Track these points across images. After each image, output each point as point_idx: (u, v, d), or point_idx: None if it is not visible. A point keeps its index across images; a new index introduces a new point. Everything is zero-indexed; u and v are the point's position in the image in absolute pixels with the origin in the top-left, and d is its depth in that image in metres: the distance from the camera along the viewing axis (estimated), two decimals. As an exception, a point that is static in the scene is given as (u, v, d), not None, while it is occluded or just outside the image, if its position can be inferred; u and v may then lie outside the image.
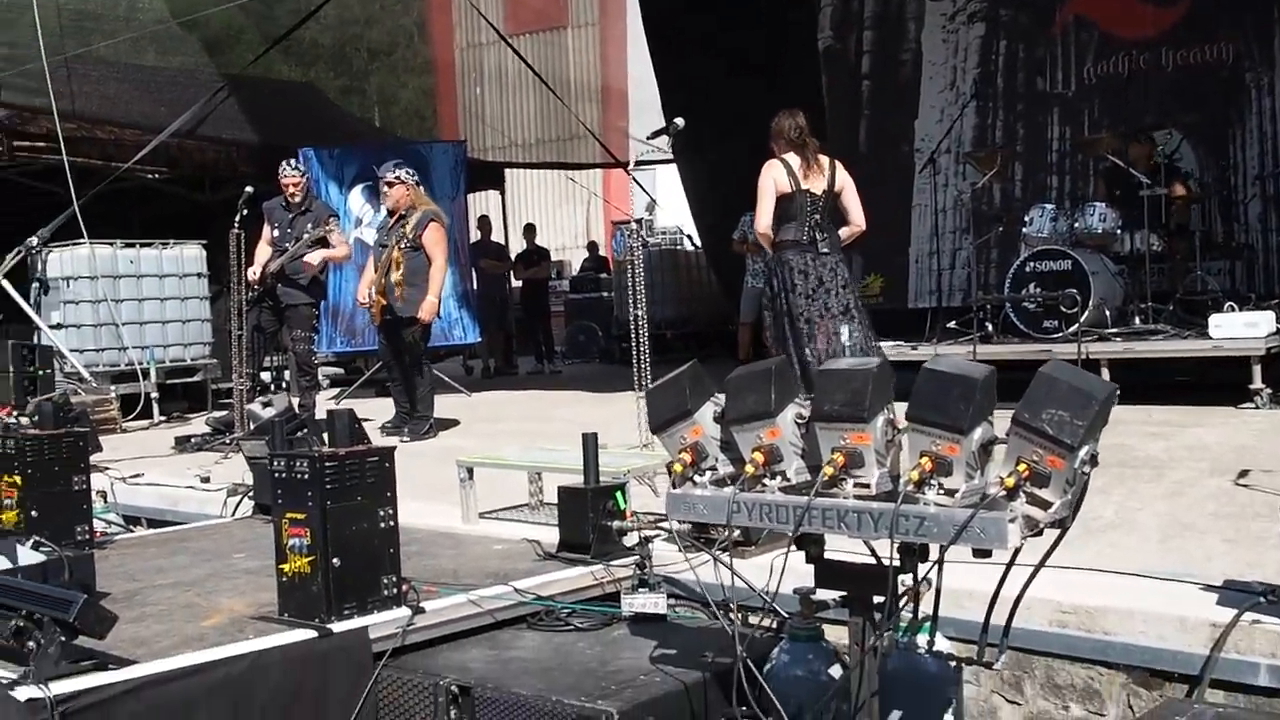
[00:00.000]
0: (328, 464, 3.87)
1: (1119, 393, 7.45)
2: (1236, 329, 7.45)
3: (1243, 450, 5.80)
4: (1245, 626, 3.38)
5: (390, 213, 8.67)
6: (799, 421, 3.26)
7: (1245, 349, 7.38)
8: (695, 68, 12.71)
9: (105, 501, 6.92)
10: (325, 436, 4.32)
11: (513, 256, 15.22)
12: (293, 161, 9.15)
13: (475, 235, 14.05)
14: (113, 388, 10.82)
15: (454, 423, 9.14)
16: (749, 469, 3.23)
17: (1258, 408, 7.20)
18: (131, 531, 6.72)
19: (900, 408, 3.06)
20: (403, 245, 8.35)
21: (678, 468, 3.41)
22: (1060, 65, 10.18)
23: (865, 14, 11.23)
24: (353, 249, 10.95)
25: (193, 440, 8.94)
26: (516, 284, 15.10)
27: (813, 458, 3.21)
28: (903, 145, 10.94)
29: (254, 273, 8.81)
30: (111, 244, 11.31)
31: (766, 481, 3.25)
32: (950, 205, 10.41)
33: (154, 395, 11.06)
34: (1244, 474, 5.28)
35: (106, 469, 7.40)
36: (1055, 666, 3.73)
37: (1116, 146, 8.77)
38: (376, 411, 9.82)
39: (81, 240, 11.02)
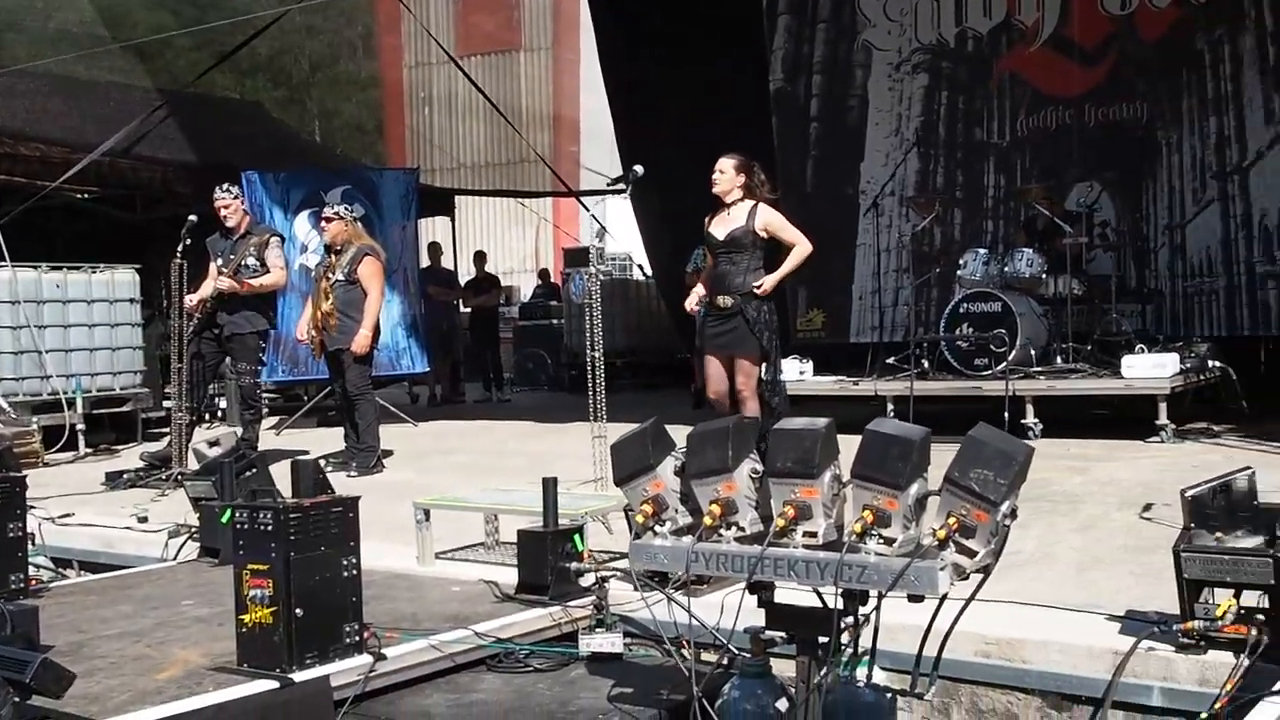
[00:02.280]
0: (292, 515, 3.94)
1: (1041, 428, 7.94)
2: (1146, 369, 8.03)
3: (1148, 485, 6.27)
4: (1142, 653, 3.80)
5: (327, 248, 8.79)
6: (753, 476, 3.62)
7: (1153, 388, 7.96)
8: (650, 107, 13.02)
9: (33, 544, 6.42)
10: (291, 483, 4.36)
11: (462, 283, 15.23)
12: (225, 185, 8.90)
13: (425, 261, 14.04)
14: (34, 418, 10.39)
15: (389, 453, 9.07)
16: (707, 520, 3.55)
17: (1163, 441, 7.79)
18: (65, 577, 6.54)
19: (846, 462, 3.44)
20: (331, 277, 8.49)
21: (639, 519, 3.71)
22: (996, 117, 10.71)
23: (815, 59, 11.64)
24: (293, 275, 10.81)
25: (125, 476, 8.68)
26: (466, 310, 15.12)
27: (765, 509, 3.56)
28: (848, 187, 11.38)
29: (191, 299, 8.61)
30: (36, 267, 10.90)
31: (723, 532, 3.58)
32: (893, 246, 10.87)
33: (80, 426, 10.62)
34: (1148, 507, 5.76)
35: (33, 508, 6.73)
36: (979, 693, 4.14)
37: (1044, 197, 9.30)
38: (316, 441, 9.84)
39: (2, 263, 10.64)
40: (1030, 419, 8.24)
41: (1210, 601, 3.76)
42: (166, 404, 8.89)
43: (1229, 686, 3.52)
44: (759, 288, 6.77)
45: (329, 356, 8.70)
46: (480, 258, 15.68)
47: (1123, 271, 9.86)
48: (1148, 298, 9.81)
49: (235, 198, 8.87)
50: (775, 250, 6.96)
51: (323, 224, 8.82)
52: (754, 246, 6.78)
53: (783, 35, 11.79)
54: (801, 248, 6.86)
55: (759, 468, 3.59)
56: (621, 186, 7.70)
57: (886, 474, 3.27)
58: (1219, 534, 3.79)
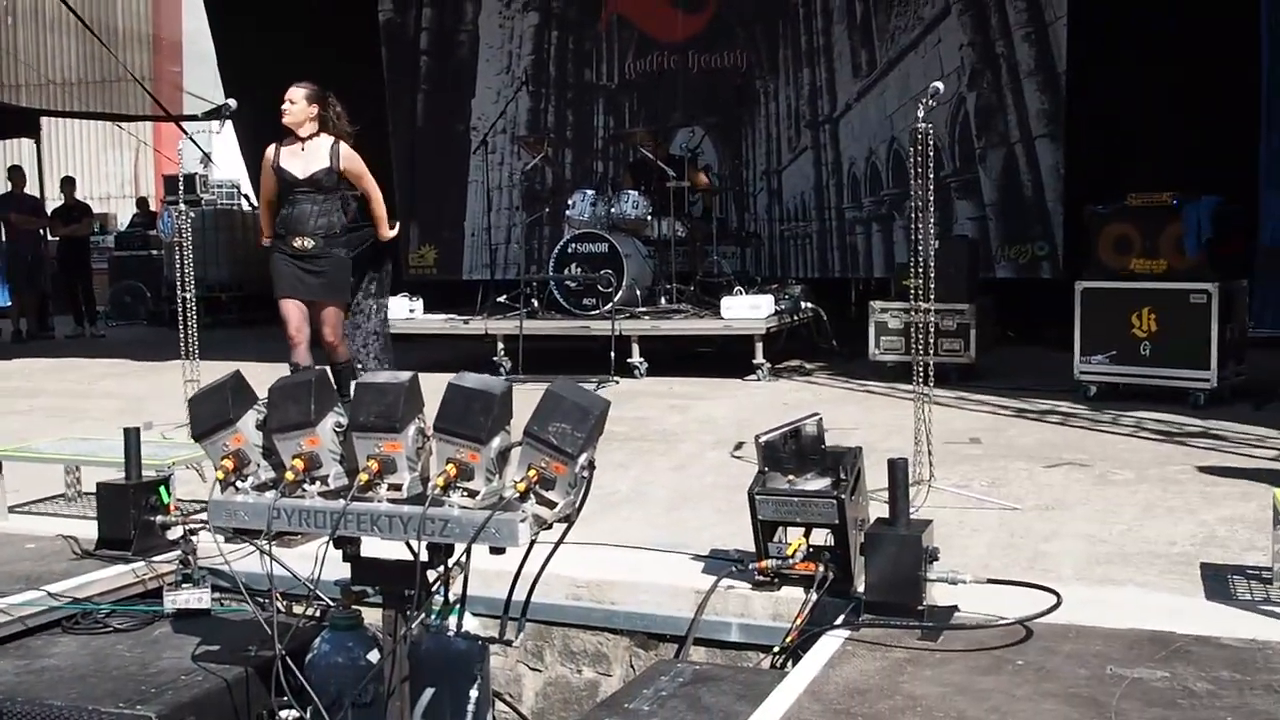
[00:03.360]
0: None
1: (646, 365, 8.20)
2: (743, 311, 8.46)
3: (743, 423, 6.60)
4: (721, 591, 4.00)
5: None
6: (337, 430, 3.52)
7: (749, 329, 8.40)
8: (254, 32, 12.41)
9: None
10: None
11: (49, 211, 14.24)
12: None
13: (5, 187, 13.11)
14: None
15: None
16: (289, 475, 3.45)
17: (759, 380, 8.24)
18: None
19: (431, 415, 3.40)
20: None
21: (220, 475, 3.56)
22: (605, 59, 10.89)
23: (425, -10, 11.45)
24: None
25: None
26: (54, 240, 14.18)
27: (351, 462, 3.49)
28: (459, 124, 11.29)
29: None
30: None
31: (307, 487, 3.48)
32: (504, 184, 10.92)
33: None
34: (739, 446, 6.05)
35: None
36: (571, 635, 4.23)
37: (650, 141, 9.56)
38: None
39: None
40: (636, 358, 8.52)
41: (783, 540, 4.00)
42: None
43: (799, 621, 3.77)
44: (366, 235, 6.58)
45: None
46: (68, 183, 14.74)
47: (724, 214, 10.33)
48: (746, 241, 10.34)
49: None
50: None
51: None
52: (337, 187, 6.47)
53: (391, -34, 11.49)
54: (379, 201, 6.63)
55: (343, 421, 3.50)
56: (216, 118, 7.15)
57: (468, 428, 3.26)
58: (791, 476, 4.02)
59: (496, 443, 3.31)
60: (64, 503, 5.55)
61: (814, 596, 3.81)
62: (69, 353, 11.74)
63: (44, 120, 16.00)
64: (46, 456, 5.67)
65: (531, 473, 3.25)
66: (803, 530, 3.99)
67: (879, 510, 3.87)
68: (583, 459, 3.27)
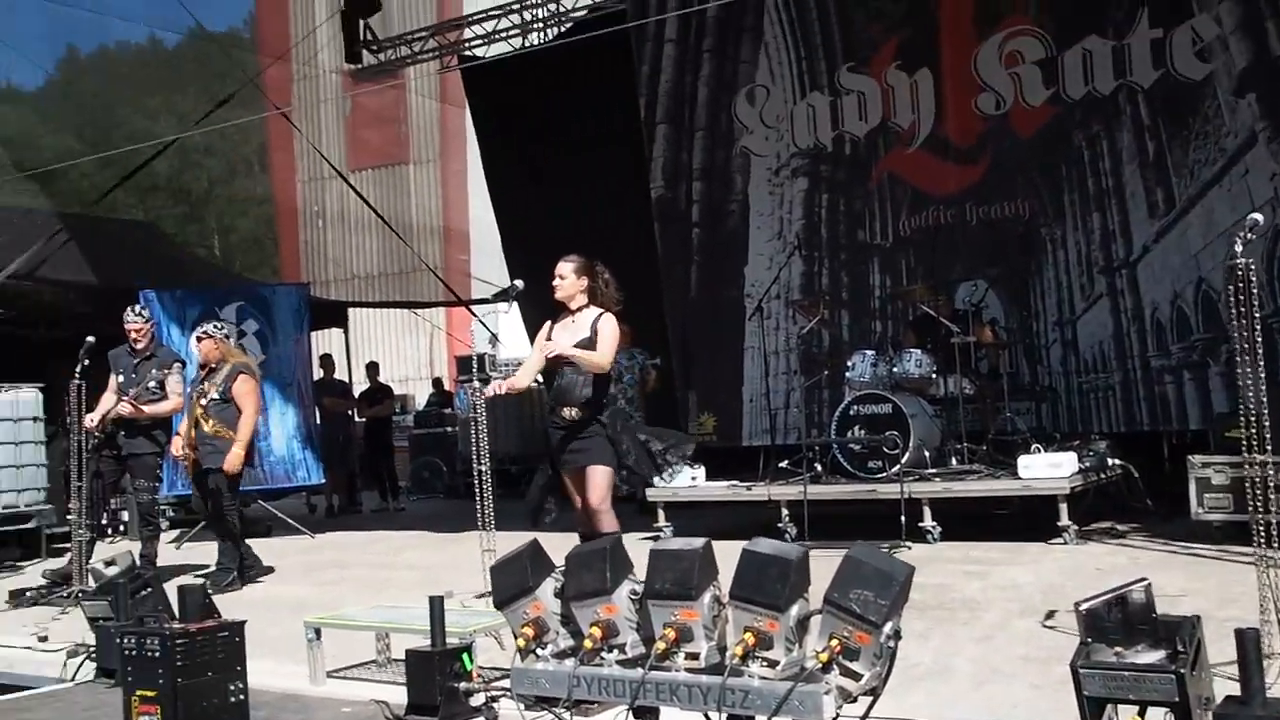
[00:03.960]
0: (178, 641, 3.94)
1: (940, 531, 7.82)
2: (1042, 470, 7.98)
3: (1050, 589, 6.19)
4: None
5: (201, 366, 8.85)
6: (633, 597, 3.49)
7: (1051, 489, 7.89)
8: (533, 216, 13.06)
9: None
10: (175, 609, 4.35)
11: (356, 394, 15.23)
12: (136, 308, 9.13)
13: (318, 374, 14.07)
14: (-61, 537, 10.28)
15: (270, 570, 9.09)
16: (587, 643, 3.45)
17: (1065, 543, 7.69)
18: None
19: (726, 582, 3.31)
20: (207, 397, 8.56)
21: (520, 642, 3.61)
22: (878, 218, 10.85)
23: (694, 166, 11.75)
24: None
25: (28, 594, 8.67)
26: (360, 421, 15.10)
27: (647, 630, 3.45)
28: (732, 290, 11.42)
29: (92, 419, 8.70)
30: (-59, 387, 10.89)
31: (604, 655, 3.47)
32: (781, 348, 10.90)
33: None
34: (1050, 614, 5.65)
35: (-67, 629, 6.92)
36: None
37: (929, 296, 9.37)
38: (214, 556, 9.71)
39: (-93, 383, 10.59)
40: (928, 522, 8.16)
41: (1114, 718, 3.64)
42: (70, 518, 8.84)
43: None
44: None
45: (198, 476, 8.67)
46: (373, 368, 15.80)
47: (1015, 369, 9.94)
48: (1041, 396, 9.87)
49: (147, 321, 9.02)
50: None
51: (195, 344, 8.88)
52: None
53: (661, 144, 11.91)
54: (600, 359, 6.40)
55: (638, 589, 3.48)
56: (504, 299, 7.44)
57: (765, 595, 3.18)
58: (1118, 648, 3.69)
59: (795, 610, 3.20)
60: (375, 668, 5.76)
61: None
62: (374, 526, 12.33)
63: (350, 311, 17.22)
64: (360, 624, 5.95)
65: (834, 642, 3.11)
66: (1136, 710, 3.62)
67: (1223, 688, 3.47)
68: (888, 628, 3.11)
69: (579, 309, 6.50)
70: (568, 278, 6.50)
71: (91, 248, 14.45)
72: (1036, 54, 10.07)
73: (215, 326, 8.94)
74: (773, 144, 11.34)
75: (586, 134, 12.30)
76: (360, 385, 15.70)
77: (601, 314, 6.46)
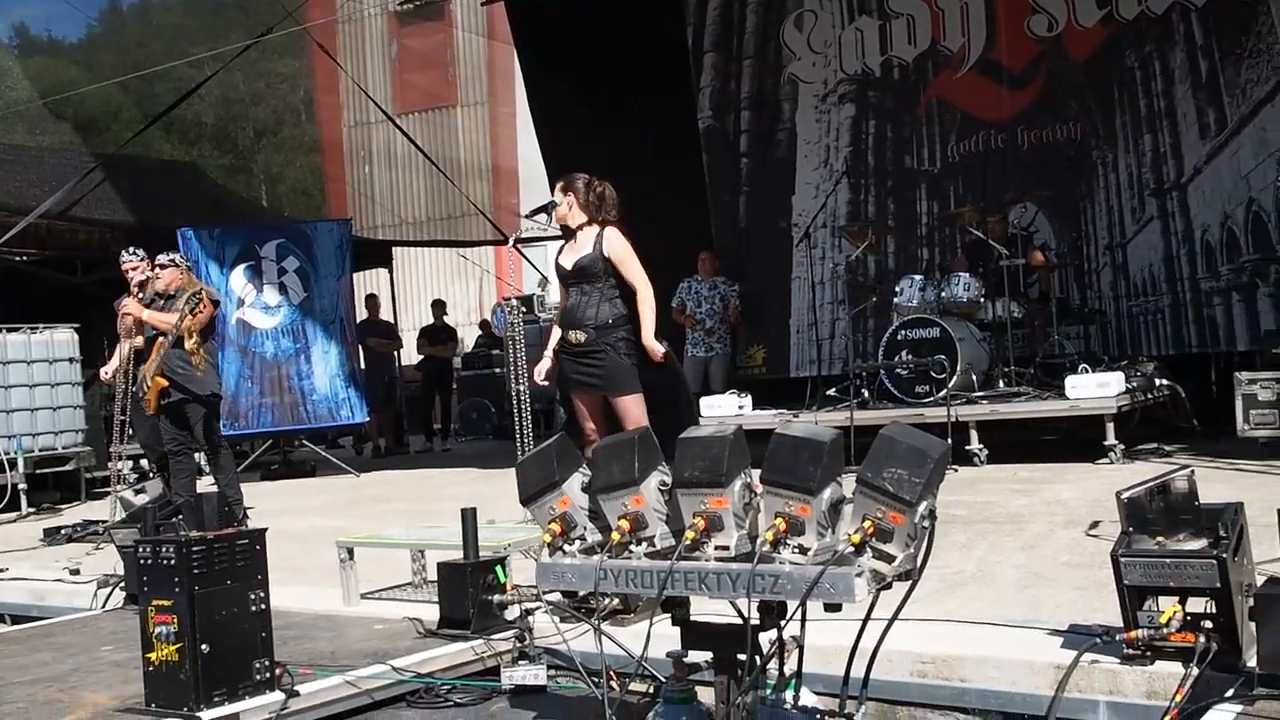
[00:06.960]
0: (194, 548, 3.84)
1: (987, 454, 7.70)
2: (1090, 390, 7.84)
3: (1095, 503, 6.07)
4: (1085, 666, 3.59)
5: (158, 294, 8.14)
6: (662, 488, 3.42)
7: (1098, 408, 7.77)
8: (582, 149, 12.90)
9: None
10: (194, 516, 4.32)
11: (415, 331, 15.19)
12: (131, 248, 8.53)
13: (363, 314, 14.05)
14: (-24, 478, 10.29)
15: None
16: (615, 536, 3.37)
17: (1112, 462, 7.58)
18: (-8, 630, 6.44)
19: (757, 471, 3.24)
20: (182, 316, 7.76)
21: (547, 538, 3.54)
22: (926, 144, 10.64)
23: (742, 95, 11.60)
24: (230, 330, 11.47)
25: (63, 531, 8.66)
26: (418, 358, 15.07)
27: (676, 522, 3.37)
28: (780, 220, 11.28)
29: (106, 373, 8.54)
30: (-25, 329, 10.86)
31: (633, 548, 3.39)
32: (827, 278, 10.77)
33: (22, 486, 10.63)
34: (1095, 525, 5.56)
35: (-34, 566, 7.02)
36: (919, 715, 3.91)
37: (978, 220, 9.18)
38: (260, 495, 9.78)
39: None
40: (975, 445, 8.07)
41: (1154, 609, 3.55)
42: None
43: (1178, 697, 3.30)
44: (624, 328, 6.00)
45: (170, 408, 7.94)
46: (439, 306, 15.88)
47: (1064, 293, 9.75)
48: (1090, 318, 9.69)
49: (142, 260, 8.42)
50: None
51: (156, 271, 8.21)
52: (605, 274, 5.97)
53: (709, 73, 11.77)
54: (646, 294, 6.00)
55: (668, 479, 3.41)
56: (542, 213, 7.10)
57: (797, 479, 3.09)
58: (1159, 538, 3.59)
59: (828, 494, 3.11)
60: (411, 589, 5.74)
61: (1195, 670, 3.34)
62: (420, 464, 12.38)
63: (396, 254, 17.19)
64: (391, 541, 5.96)
65: (867, 524, 3.02)
66: (1176, 598, 3.53)
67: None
68: (922, 507, 3.01)
69: (579, 227, 6.01)
70: (558, 200, 6.09)
71: (128, 188, 14.38)
72: (1090, -27, 9.81)
73: (181, 256, 8.46)
74: (820, 70, 11.17)
75: (634, 67, 12.12)
76: (406, 332, 15.66)
77: (604, 227, 5.98)
